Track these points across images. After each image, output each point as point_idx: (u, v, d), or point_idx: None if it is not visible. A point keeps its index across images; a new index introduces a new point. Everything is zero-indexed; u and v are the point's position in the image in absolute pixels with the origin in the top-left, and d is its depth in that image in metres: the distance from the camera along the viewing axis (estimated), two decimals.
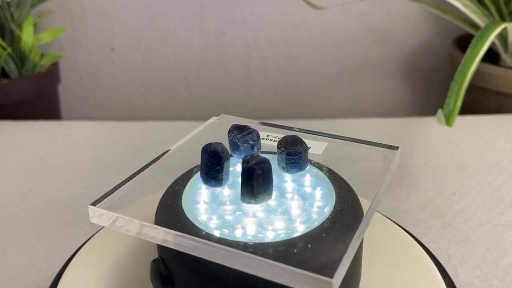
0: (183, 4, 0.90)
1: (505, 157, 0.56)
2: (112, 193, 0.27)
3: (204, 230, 0.24)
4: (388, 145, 0.32)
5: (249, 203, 0.25)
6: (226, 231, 0.24)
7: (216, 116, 0.37)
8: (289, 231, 0.24)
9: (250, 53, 0.93)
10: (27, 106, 0.80)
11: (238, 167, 0.28)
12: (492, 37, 0.57)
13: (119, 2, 0.90)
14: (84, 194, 0.51)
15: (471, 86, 0.74)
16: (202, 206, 0.26)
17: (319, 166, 0.30)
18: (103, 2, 0.90)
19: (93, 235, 0.35)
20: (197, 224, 0.24)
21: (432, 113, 0.92)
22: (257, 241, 0.23)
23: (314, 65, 0.94)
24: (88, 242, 0.34)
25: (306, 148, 0.28)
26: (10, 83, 0.77)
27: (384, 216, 0.36)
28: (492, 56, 0.78)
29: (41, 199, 0.50)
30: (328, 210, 0.26)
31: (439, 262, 0.32)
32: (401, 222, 0.44)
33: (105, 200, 0.26)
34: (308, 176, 0.28)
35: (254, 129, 0.29)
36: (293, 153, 0.27)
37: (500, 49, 0.76)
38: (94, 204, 0.26)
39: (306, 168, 0.28)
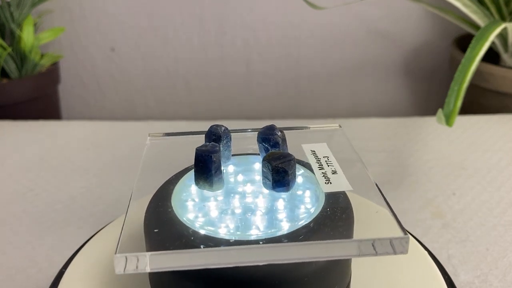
0: (183, 4, 0.90)
1: (505, 157, 0.56)
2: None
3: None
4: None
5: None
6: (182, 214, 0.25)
7: (338, 126, 0.34)
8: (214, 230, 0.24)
9: (250, 53, 0.93)
10: (27, 106, 0.80)
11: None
12: (492, 37, 0.57)
13: (119, 2, 0.90)
14: (84, 194, 0.51)
15: (471, 86, 0.74)
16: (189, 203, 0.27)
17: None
18: (103, 2, 0.90)
19: (93, 235, 0.35)
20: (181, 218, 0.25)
21: (432, 113, 0.92)
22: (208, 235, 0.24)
23: (314, 65, 0.94)
24: (89, 242, 0.34)
25: (283, 172, 0.25)
26: (10, 83, 0.77)
27: None
28: (492, 56, 0.78)
29: (41, 199, 0.50)
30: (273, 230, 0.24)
31: (439, 262, 0.32)
32: (401, 222, 0.44)
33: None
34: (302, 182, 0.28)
35: (277, 134, 0.28)
36: (265, 166, 0.25)
37: (500, 49, 0.76)
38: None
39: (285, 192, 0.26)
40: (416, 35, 0.92)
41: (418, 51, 0.93)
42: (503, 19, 0.75)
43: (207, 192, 0.27)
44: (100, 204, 0.49)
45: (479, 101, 0.78)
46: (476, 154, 0.57)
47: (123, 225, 0.25)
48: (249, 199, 0.27)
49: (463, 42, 0.83)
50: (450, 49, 0.87)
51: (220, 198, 0.27)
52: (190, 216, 0.26)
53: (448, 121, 0.49)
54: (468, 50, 0.55)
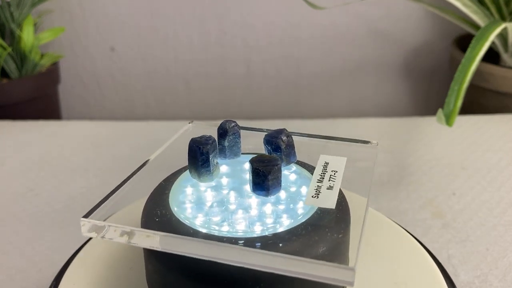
0: (183, 4, 0.90)
1: (505, 157, 0.56)
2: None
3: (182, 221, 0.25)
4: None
5: None
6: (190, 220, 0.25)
7: (376, 144, 0.32)
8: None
9: (250, 53, 0.93)
10: (27, 106, 0.80)
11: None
12: (492, 37, 0.57)
13: (119, 2, 0.90)
14: (84, 194, 0.51)
15: (471, 86, 0.74)
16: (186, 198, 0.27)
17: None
18: (103, 2, 0.90)
19: None
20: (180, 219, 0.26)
21: (432, 113, 0.92)
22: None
23: (314, 65, 0.94)
24: (89, 242, 0.34)
25: (263, 175, 0.25)
26: (10, 83, 0.77)
27: (384, 215, 0.36)
28: (492, 56, 0.78)
29: (41, 199, 0.50)
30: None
31: (439, 262, 0.32)
32: (401, 222, 0.44)
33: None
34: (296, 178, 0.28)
35: (281, 138, 0.28)
36: (249, 167, 0.26)
37: (500, 49, 0.76)
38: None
39: (268, 196, 0.26)
40: (416, 35, 0.92)
41: (418, 51, 0.93)
42: (503, 19, 0.75)
43: (206, 183, 0.28)
44: None
45: (479, 101, 0.78)
46: (476, 154, 0.57)
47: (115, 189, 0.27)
48: (244, 198, 0.27)
49: (463, 42, 0.83)
50: (450, 49, 0.87)
51: (216, 191, 0.27)
52: (179, 202, 0.26)
53: (448, 121, 0.49)
54: (468, 50, 0.55)
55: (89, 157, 0.59)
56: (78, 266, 0.31)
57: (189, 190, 0.28)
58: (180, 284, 0.24)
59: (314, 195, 0.26)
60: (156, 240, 0.23)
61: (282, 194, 0.27)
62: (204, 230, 0.24)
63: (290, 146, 0.29)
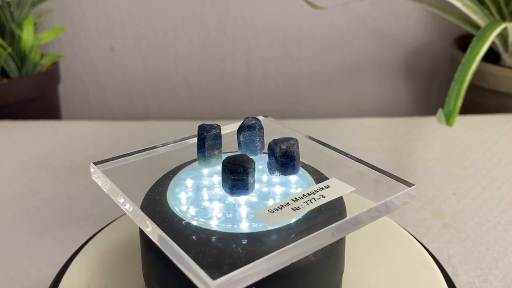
0: (183, 4, 0.90)
1: (505, 157, 0.56)
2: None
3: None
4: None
5: None
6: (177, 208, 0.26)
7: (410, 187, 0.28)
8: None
9: (250, 53, 0.93)
10: (27, 106, 0.80)
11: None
12: (492, 36, 0.57)
13: (119, 2, 0.90)
14: (84, 194, 0.51)
15: (471, 86, 0.74)
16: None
17: (314, 171, 0.29)
18: (103, 2, 0.90)
19: (93, 235, 0.35)
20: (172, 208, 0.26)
21: (432, 113, 0.92)
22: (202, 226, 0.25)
23: (314, 65, 0.94)
24: (89, 242, 0.34)
25: (228, 172, 0.25)
26: (10, 83, 0.77)
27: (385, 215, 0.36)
28: (492, 56, 0.78)
29: (41, 199, 0.50)
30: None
31: (439, 262, 0.32)
32: (401, 222, 0.44)
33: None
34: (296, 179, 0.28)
35: (279, 147, 0.27)
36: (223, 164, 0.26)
37: (500, 48, 0.76)
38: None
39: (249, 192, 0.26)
40: (416, 35, 0.92)
41: (418, 51, 0.93)
42: (503, 19, 0.75)
43: (206, 173, 0.29)
44: (100, 204, 0.49)
45: (479, 101, 0.78)
46: (476, 154, 0.57)
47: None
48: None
49: (463, 42, 0.83)
50: (450, 49, 0.87)
51: (217, 181, 0.28)
52: (176, 187, 0.28)
53: (448, 121, 0.49)
54: (468, 50, 0.55)
55: (89, 157, 0.59)
56: (78, 266, 0.31)
57: (198, 173, 0.29)
58: (177, 283, 0.24)
59: (272, 210, 0.24)
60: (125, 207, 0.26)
61: (271, 201, 0.26)
62: (179, 214, 0.25)
63: (289, 157, 0.27)
